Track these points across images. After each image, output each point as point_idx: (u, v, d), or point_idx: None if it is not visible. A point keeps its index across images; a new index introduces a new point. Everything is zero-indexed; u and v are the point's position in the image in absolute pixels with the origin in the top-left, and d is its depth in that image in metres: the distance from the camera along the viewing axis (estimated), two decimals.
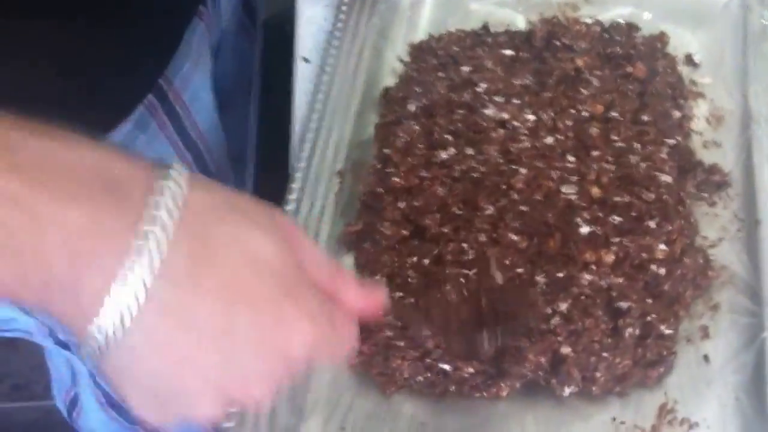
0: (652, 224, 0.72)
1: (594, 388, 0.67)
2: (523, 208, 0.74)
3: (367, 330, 0.70)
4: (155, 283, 0.38)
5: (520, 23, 0.92)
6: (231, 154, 0.99)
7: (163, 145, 0.82)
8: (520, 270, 0.70)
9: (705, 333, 0.70)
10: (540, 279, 0.70)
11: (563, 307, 0.69)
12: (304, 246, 0.46)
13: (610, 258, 0.71)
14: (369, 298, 0.50)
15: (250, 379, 0.42)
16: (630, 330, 0.68)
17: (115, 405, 0.96)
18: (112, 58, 0.72)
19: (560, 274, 0.70)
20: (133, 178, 0.40)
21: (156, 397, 0.42)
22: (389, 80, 0.89)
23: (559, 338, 0.68)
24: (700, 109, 0.84)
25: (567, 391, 0.67)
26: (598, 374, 0.67)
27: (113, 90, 0.74)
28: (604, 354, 0.67)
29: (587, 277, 0.70)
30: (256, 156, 1.04)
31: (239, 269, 0.41)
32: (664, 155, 0.77)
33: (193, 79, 0.85)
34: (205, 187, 0.43)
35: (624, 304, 0.69)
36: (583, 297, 0.69)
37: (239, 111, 1.04)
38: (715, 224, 0.76)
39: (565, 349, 0.67)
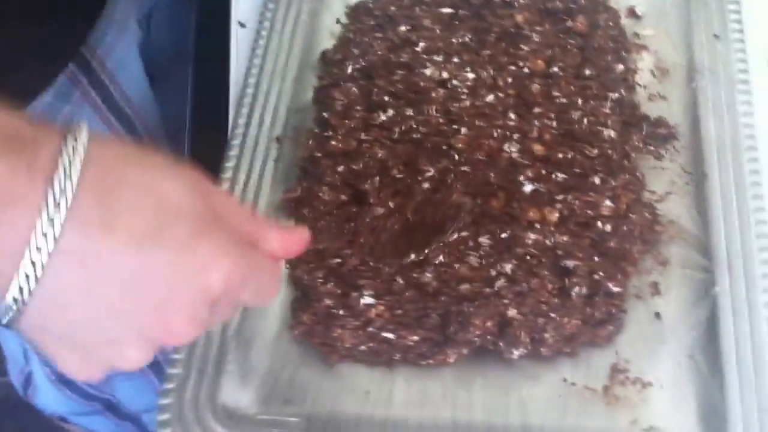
0: (596, 180, 0.71)
1: (543, 350, 0.65)
2: (465, 168, 0.71)
3: (306, 299, 0.68)
4: (66, 233, 0.39)
5: None
6: (168, 123, 0.96)
7: (89, 115, 0.79)
8: (464, 233, 0.68)
9: (655, 289, 0.68)
10: (484, 240, 0.68)
11: (508, 268, 0.67)
12: (217, 194, 0.46)
13: (554, 216, 0.69)
14: (289, 238, 0.50)
15: (171, 319, 0.42)
16: (577, 289, 0.66)
17: (67, 382, 0.95)
18: (30, 27, 0.69)
19: (504, 235, 0.68)
20: (40, 139, 0.40)
21: (80, 351, 0.42)
22: (327, 43, 0.87)
23: (505, 301, 0.66)
24: (644, 62, 0.82)
25: (515, 353, 0.65)
26: (546, 335, 0.65)
27: (32, 58, 0.71)
28: (552, 314, 0.65)
29: (532, 236, 0.68)
30: (192, 124, 1.01)
31: (150, 214, 0.41)
32: (607, 110, 0.75)
33: (118, 48, 0.82)
34: (112, 143, 0.43)
35: (570, 263, 0.67)
36: (528, 257, 0.67)
37: (177, 80, 1.02)
38: (662, 178, 0.74)
39: (512, 312, 0.65)
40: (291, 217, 0.73)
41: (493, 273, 0.67)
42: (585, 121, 0.74)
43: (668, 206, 0.72)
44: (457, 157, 0.73)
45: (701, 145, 0.74)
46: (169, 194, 0.42)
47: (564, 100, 0.76)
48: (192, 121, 1.02)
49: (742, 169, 0.71)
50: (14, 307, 0.40)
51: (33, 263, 0.38)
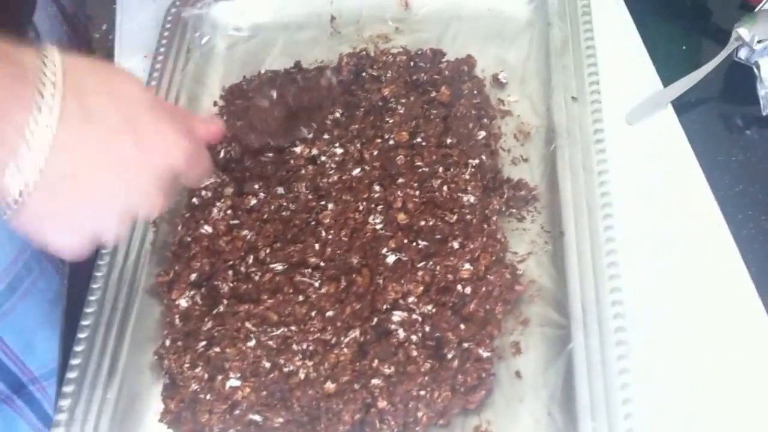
0: (455, 245, 0.73)
1: (417, 429, 0.67)
2: (329, 249, 0.73)
3: (174, 386, 0.69)
4: (57, 130, 0.47)
5: (335, 58, 0.92)
6: None
7: None
8: (327, 336, 0.69)
9: (517, 349, 0.70)
10: (352, 335, 0.69)
11: (376, 362, 0.68)
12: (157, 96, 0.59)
13: (418, 289, 0.71)
14: (210, 127, 0.64)
15: (145, 190, 0.53)
16: (448, 362, 0.68)
17: None
18: None
19: (372, 323, 0.70)
20: (25, 56, 0.49)
21: (69, 225, 0.51)
22: None
23: (375, 392, 0.67)
24: (508, 127, 0.85)
25: None
26: (420, 414, 0.66)
27: None
28: (423, 392, 0.67)
29: (397, 316, 0.70)
30: None
31: (121, 109, 0.51)
32: (467, 176, 0.77)
33: None
34: (81, 59, 0.52)
35: (440, 336, 0.69)
36: (397, 345, 0.69)
37: None
38: (524, 239, 0.77)
39: (382, 403, 0.66)
40: (163, 300, 0.74)
41: (364, 368, 0.68)
42: (445, 188, 0.76)
43: (529, 266, 0.75)
44: (323, 233, 0.74)
45: (559, 204, 0.76)
46: (131, 93, 0.52)
47: (426, 169, 0.78)
48: None
49: (597, 227, 0.73)
50: (19, 199, 0.48)
51: (36, 159, 0.47)
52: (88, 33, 1.07)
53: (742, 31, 0.85)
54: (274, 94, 0.79)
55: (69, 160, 0.49)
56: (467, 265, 0.71)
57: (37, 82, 0.48)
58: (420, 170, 0.78)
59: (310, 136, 0.81)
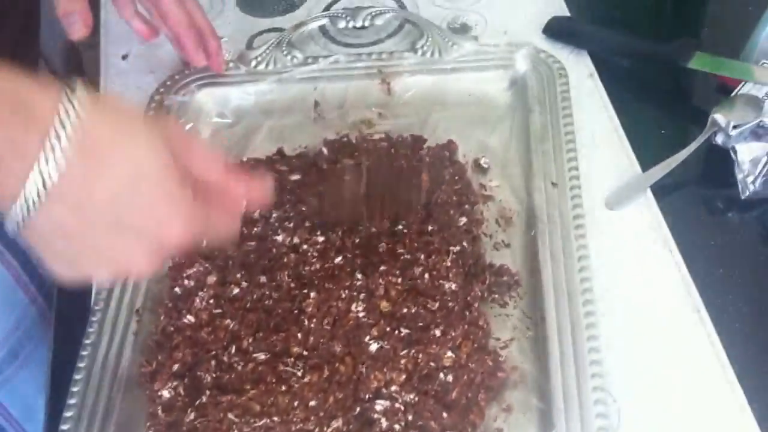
0: (437, 332, 0.73)
1: None
2: (311, 338, 0.74)
3: None
4: (58, 180, 0.47)
5: (318, 143, 0.94)
6: None
7: None
8: (310, 427, 0.69)
9: None
10: (336, 426, 0.69)
11: None
12: (192, 148, 0.55)
13: (401, 378, 0.71)
14: (255, 188, 0.61)
15: (133, 259, 0.54)
16: None
17: None
18: None
19: (355, 413, 0.70)
20: (41, 101, 0.48)
21: (65, 261, 0.53)
22: None
23: None
24: (490, 212, 0.86)
25: None
26: None
27: None
28: None
29: (380, 405, 0.70)
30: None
31: (125, 176, 0.50)
32: (448, 263, 0.78)
33: None
34: (104, 109, 0.51)
35: (423, 424, 0.69)
36: None
37: None
38: (507, 324, 0.77)
39: None
40: (145, 391, 0.74)
41: None
42: (427, 275, 0.77)
43: (511, 352, 0.75)
44: (306, 322, 0.75)
45: (540, 290, 0.76)
46: (143, 160, 0.51)
47: (408, 257, 0.78)
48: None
49: (577, 312, 0.74)
50: (20, 224, 0.49)
51: (28, 207, 0.48)
52: None
53: (719, 117, 0.86)
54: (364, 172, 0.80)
55: (62, 215, 0.49)
56: (449, 353, 0.72)
57: (48, 135, 0.47)
58: (402, 258, 0.78)
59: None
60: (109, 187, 0.50)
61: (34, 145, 0.47)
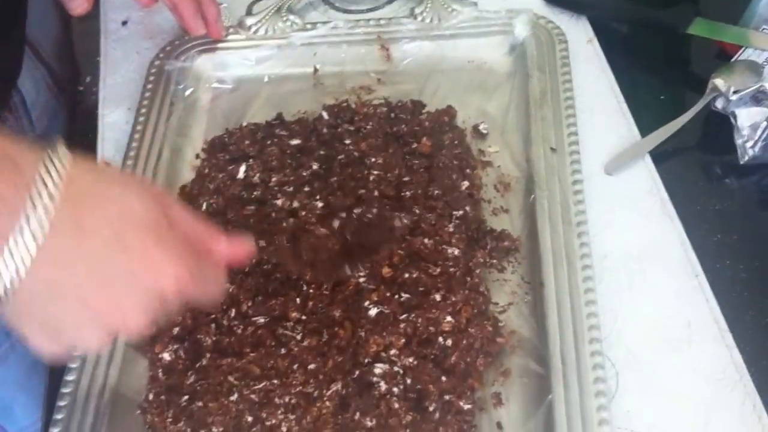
0: (437, 297, 0.73)
1: None
2: (310, 303, 0.74)
3: None
4: (45, 240, 0.46)
5: (318, 109, 0.93)
6: None
7: None
8: (309, 390, 0.70)
9: (498, 400, 0.70)
10: (334, 388, 0.70)
11: (365, 420, 0.68)
12: (174, 208, 0.54)
13: (400, 342, 0.71)
14: (236, 247, 0.58)
15: (126, 311, 0.50)
16: (430, 415, 0.68)
17: None
18: None
19: (354, 376, 0.70)
20: (25, 157, 0.47)
21: (49, 331, 0.50)
22: (189, 177, 0.90)
23: None
24: (489, 178, 0.86)
25: None
26: None
27: None
28: None
29: (379, 368, 0.70)
30: None
31: (115, 224, 0.49)
32: (451, 228, 0.78)
33: None
34: (87, 165, 0.50)
35: (421, 388, 0.69)
36: (378, 396, 0.69)
37: None
38: (505, 289, 0.77)
39: None
40: (146, 354, 0.75)
41: (345, 420, 0.68)
42: (429, 241, 0.77)
43: (510, 317, 0.75)
44: (305, 287, 0.75)
45: (539, 255, 0.76)
46: (131, 207, 0.50)
47: (409, 222, 0.78)
48: None
49: (576, 278, 0.74)
50: (2, 297, 0.47)
51: (16, 265, 0.46)
52: (75, 88, 1.08)
53: (719, 82, 0.86)
54: (336, 225, 0.77)
55: (50, 271, 0.47)
56: (449, 318, 0.72)
57: (33, 190, 0.46)
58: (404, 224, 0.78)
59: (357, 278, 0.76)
60: (99, 235, 0.48)
61: (21, 201, 0.46)
